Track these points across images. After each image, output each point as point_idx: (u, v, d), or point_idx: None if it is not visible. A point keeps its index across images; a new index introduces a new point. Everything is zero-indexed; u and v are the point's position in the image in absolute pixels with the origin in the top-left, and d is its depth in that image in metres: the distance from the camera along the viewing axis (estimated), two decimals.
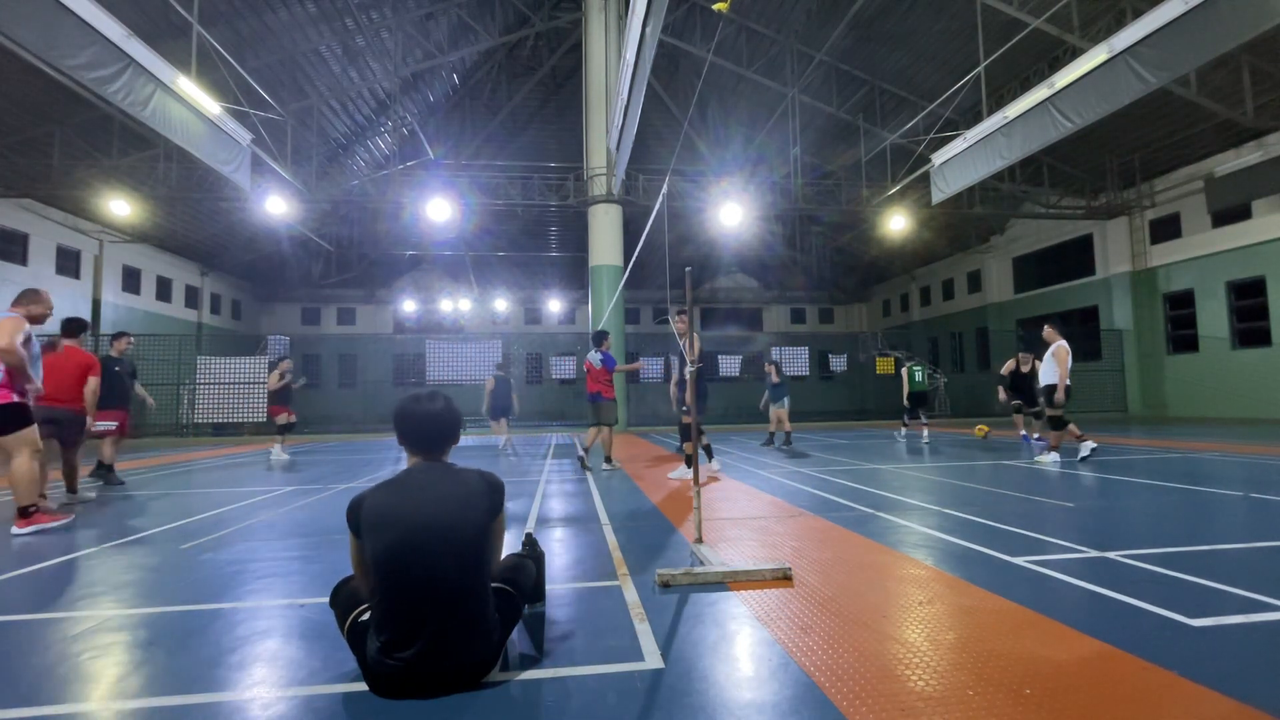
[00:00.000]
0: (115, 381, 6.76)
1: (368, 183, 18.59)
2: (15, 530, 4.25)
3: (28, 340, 4.33)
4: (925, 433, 11.80)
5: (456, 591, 1.80)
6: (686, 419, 7.04)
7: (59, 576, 3.15)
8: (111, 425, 6.74)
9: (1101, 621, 2.26)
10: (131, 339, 7.47)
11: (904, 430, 11.95)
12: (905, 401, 11.94)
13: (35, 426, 4.40)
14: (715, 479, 6.61)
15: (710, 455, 7.30)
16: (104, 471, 6.80)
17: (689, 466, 6.88)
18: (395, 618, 1.77)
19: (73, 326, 5.59)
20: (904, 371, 12.10)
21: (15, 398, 4.27)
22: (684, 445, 7.05)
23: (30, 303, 4.44)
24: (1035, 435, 10.16)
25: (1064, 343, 7.13)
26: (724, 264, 29.75)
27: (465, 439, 12.34)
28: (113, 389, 6.69)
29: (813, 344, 22.32)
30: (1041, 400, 7.73)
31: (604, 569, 3.15)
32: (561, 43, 20.41)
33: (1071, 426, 7.36)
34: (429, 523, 1.81)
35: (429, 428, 2.01)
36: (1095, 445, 7.36)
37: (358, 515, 1.87)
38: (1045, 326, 7.39)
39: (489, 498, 1.94)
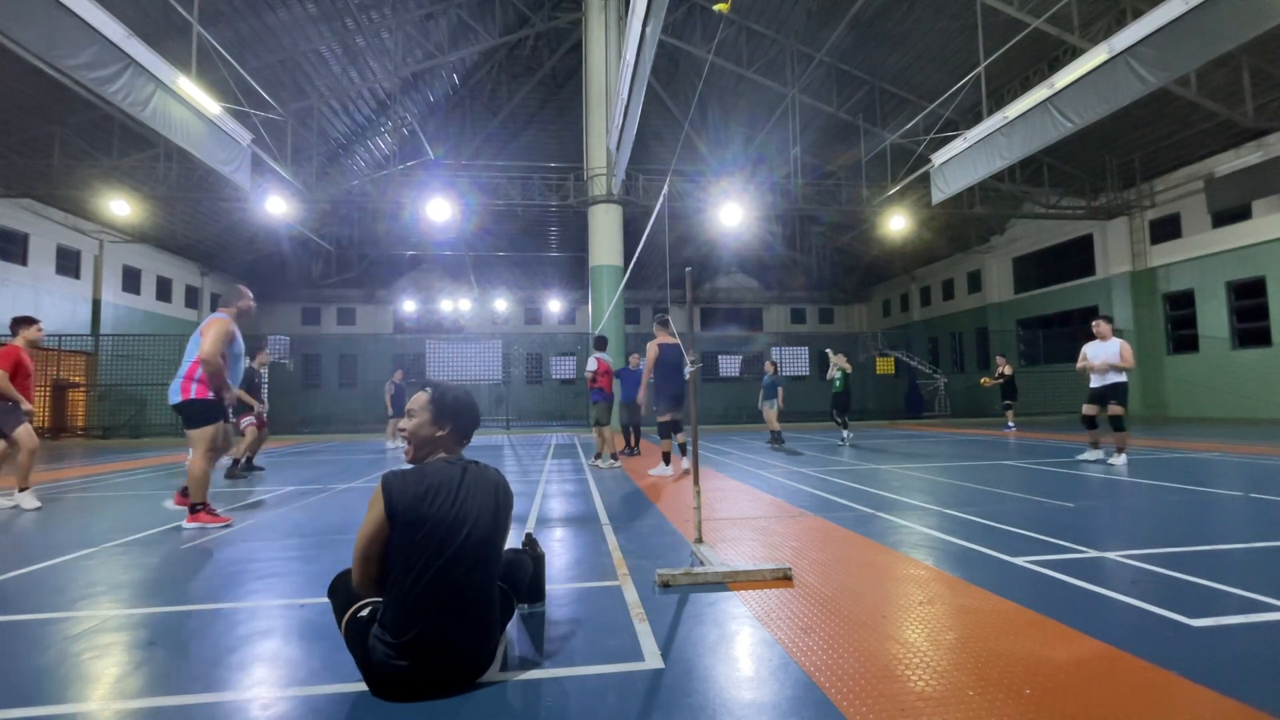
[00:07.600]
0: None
1: (368, 183, 18.59)
2: (184, 525, 4.25)
3: (232, 340, 4.41)
4: (846, 434, 11.07)
5: (478, 594, 1.81)
6: (660, 418, 7.15)
7: (59, 576, 3.15)
8: (252, 420, 7.71)
9: (1102, 621, 2.26)
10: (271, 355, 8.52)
11: (845, 434, 11.14)
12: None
13: (219, 425, 4.36)
14: (680, 475, 6.69)
15: (684, 452, 7.19)
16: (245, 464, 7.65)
17: (667, 464, 6.96)
18: (412, 615, 1.74)
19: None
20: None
21: (210, 395, 4.28)
22: (662, 443, 7.17)
23: (238, 299, 4.58)
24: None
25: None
26: (724, 264, 29.75)
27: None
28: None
29: (813, 344, 22.31)
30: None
31: (604, 569, 3.15)
32: (561, 43, 20.42)
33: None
34: (470, 527, 1.80)
35: (476, 421, 2.05)
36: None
37: (392, 497, 1.77)
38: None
39: (510, 499, 1.96)
